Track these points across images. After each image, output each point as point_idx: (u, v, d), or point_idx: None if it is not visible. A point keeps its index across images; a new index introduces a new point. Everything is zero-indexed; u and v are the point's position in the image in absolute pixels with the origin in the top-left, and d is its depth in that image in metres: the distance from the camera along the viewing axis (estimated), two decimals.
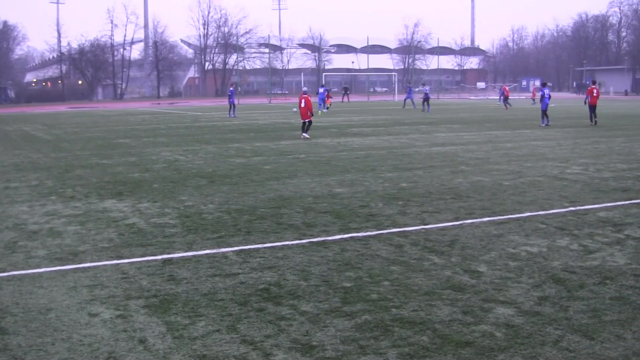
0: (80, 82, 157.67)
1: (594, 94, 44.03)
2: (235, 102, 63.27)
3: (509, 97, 78.43)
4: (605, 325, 8.27)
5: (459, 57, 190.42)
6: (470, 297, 9.32)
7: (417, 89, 75.44)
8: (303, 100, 36.49)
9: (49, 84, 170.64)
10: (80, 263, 11.50)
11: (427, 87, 71.24)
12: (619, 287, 9.79)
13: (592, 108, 43.92)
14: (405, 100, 76.78)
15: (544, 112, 43.61)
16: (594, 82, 47.24)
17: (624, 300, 9.19)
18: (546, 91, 44.62)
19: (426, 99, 67.24)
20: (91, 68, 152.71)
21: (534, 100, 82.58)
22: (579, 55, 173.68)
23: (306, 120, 36.73)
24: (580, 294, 9.49)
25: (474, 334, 7.98)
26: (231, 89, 63.63)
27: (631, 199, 16.85)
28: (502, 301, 9.15)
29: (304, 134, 36.66)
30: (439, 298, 9.30)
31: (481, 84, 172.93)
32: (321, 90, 66.39)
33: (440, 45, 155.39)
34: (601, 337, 7.91)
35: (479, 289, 9.72)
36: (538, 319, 8.49)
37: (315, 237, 13.00)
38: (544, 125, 42.89)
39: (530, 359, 7.32)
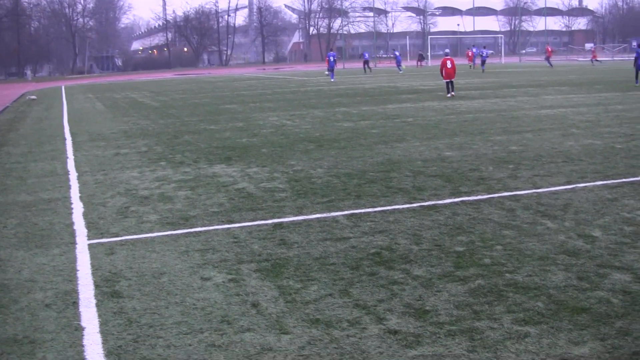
0: (185, 49, 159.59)
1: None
2: (335, 66, 63.28)
3: (551, 57, 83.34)
4: None
5: (567, 17, 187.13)
6: (585, 263, 9.14)
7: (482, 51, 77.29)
8: (449, 62, 38.92)
9: (155, 51, 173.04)
10: (191, 227, 11.62)
11: (485, 50, 77.63)
12: None
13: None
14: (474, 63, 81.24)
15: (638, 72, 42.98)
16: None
17: None
18: None
19: (483, 60, 73.67)
20: (196, 35, 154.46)
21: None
22: None
23: (452, 80, 39.27)
24: None
25: (590, 300, 7.82)
26: (331, 52, 63.93)
27: None
28: (618, 267, 8.94)
29: (452, 93, 39.08)
30: (553, 263, 9.14)
31: (589, 45, 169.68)
32: (397, 53, 68.29)
33: (548, 6, 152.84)
34: None
35: (593, 254, 9.52)
36: None
37: (426, 201, 12.91)
38: (638, 84, 42.57)
39: None
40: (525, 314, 7.49)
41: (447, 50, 44.10)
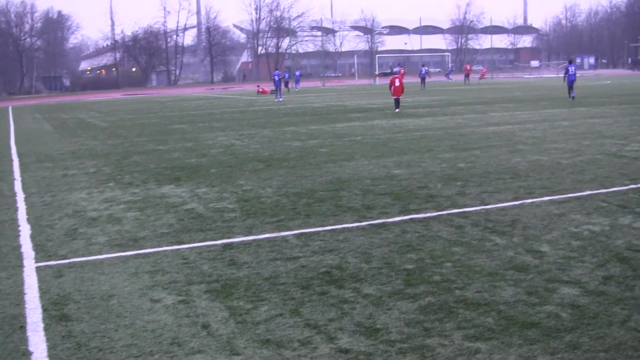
0: (134, 69, 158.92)
1: None
2: (282, 86, 63.09)
3: (469, 75, 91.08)
4: None
5: (512, 35, 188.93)
6: (534, 278, 9.22)
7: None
8: (397, 80, 41.36)
9: (104, 71, 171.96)
10: (140, 249, 11.56)
11: (424, 68, 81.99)
12: None
13: None
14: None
15: (570, 87, 46.84)
16: None
17: None
18: (570, 68, 47.33)
19: (422, 78, 79.00)
20: (145, 55, 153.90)
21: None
22: (634, 31, 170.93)
23: (399, 97, 41.54)
24: None
25: (540, 315, 7.89)
26: (276, 72, 63.94)
27: None
28: (567, 281, 9.03)
29: (397, 110, 41.09)
30: (503, 279, 9.21)
31: (535, 63, 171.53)
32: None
33: (493, 24, 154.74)
34: None
35: (542, 269, 9.61)
36: (604, 298, 8.36)
37: (375, 219, 12.94)
38: (572, 97, 46.38)
39: (597, 339, 7.21)
40: (475, 330, 7.53)
41: (396, 69, 45.54)
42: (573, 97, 46.25)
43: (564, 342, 7.16)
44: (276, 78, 62.41)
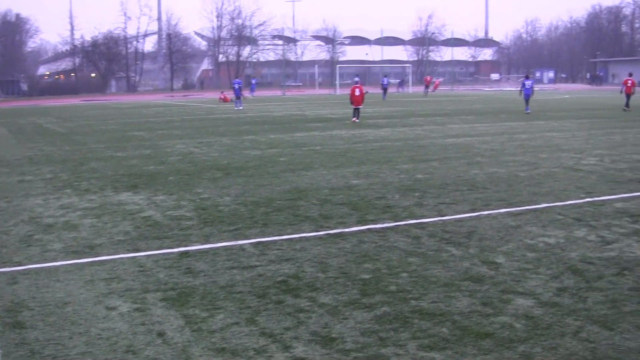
0: (93, 75, 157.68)
1: (629, 84, 50.35)
2: (241, 94, 62.76)
3: (429, 87, 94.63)
4: (624, 316, 8.25)
5: (473, 48, 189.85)
6: (489, 289, 9.29)
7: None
8: (357, 89, 42.26)
9: (62, 76, 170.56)
10: (96, 256, 11.49)
11: (386, 79, 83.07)
12: (637, 278, 9.77)
13: (628, 96, 50.01)
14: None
15: (526, 100, 49.23)
16: (630, 74, 53.16)
17: None
18: (527, 82, 49.77)
19: (384, 89, 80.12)
20: (104, 61, 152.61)
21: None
22: (593, 46, 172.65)
23: (359, 107, 42.05)
24: (598, 284, 9.46)
25: (494, 325, 7.95)
26: (237, 80, 63.75)
27: None
28: (521, 292, 9.12)
29: (354, 119, 41.58)
30: (458, 289, 9.27)
31: (495, 76, 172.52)
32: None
33: (454, 37, 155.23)
34: (620, 328, 7.88)
35: (497, 280, 9.68)
36: (557, 309, 8.46)
37: (333, 229, 12.98)
38: (528, 111, 48.03)
39: (550, 350, 7.29)
40: (430, 339, 7.58)
41: (357, 79, 46.27)
42: (528, 112, 47.46)
43: (517, 352, 7.23)
44: (236, 86, 62.19)
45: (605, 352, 7.25)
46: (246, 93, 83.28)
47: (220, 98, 78.22)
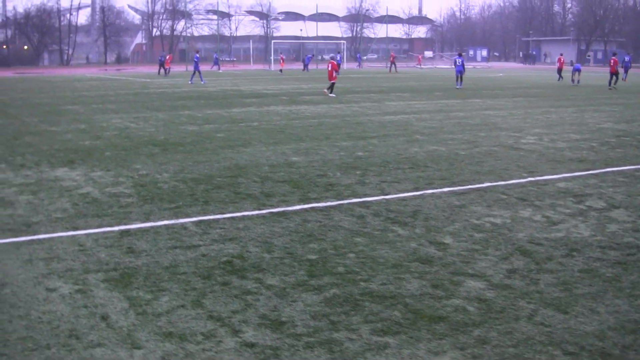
0: (25, 47, 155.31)
1: (611, 64, 53.50)
2: (200, 68, 61.95)
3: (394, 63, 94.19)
4: (577, 299, 8.16)
5: (407, 26, 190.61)
6: (439, 270, 9.16)
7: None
8: (330, 65, 44.99)
9: None
10: (34, 234, 11.13)
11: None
12: (586, 260, 9.69)
13: (612, 74, 52.77)
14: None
15: (458, 76, 52.35)
16: (614, 54, 56.09)
17: (593, 273, 9.09)
18: (458, 60, 53.00)
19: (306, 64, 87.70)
20: (37, 33, 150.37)
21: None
22: (525, 25, 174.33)
23: (333, 82, 44.09)
24: (548, 266, 9.38)
25: (447, 309, 7.81)
26: (197, 55, 62.97)
27: (588, 170, 16.83)
28: (472, 274, 9.00)
29: (329, 92, 43.49)
30: (407, 271, 9.12)
31: (429, 53, 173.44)
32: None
33: (389, 14, 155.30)
34: (575, 311, 7.78)
35: (446, 261, 9.56)
36: (509, 292, 8.34)
37: (275, 207, 12.77)
38: (458, 86, 51.37)
39: (506, 334, 7.16)
40: (383, 323, 7.41)
41: (332, 55, 48.78)
42: (460, 88, 50.00)
43: (472, 336, 7.10)
44: (196, 61, 61.37)
45: (562, 336, 7.13)
46: (215, 68, 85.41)
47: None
